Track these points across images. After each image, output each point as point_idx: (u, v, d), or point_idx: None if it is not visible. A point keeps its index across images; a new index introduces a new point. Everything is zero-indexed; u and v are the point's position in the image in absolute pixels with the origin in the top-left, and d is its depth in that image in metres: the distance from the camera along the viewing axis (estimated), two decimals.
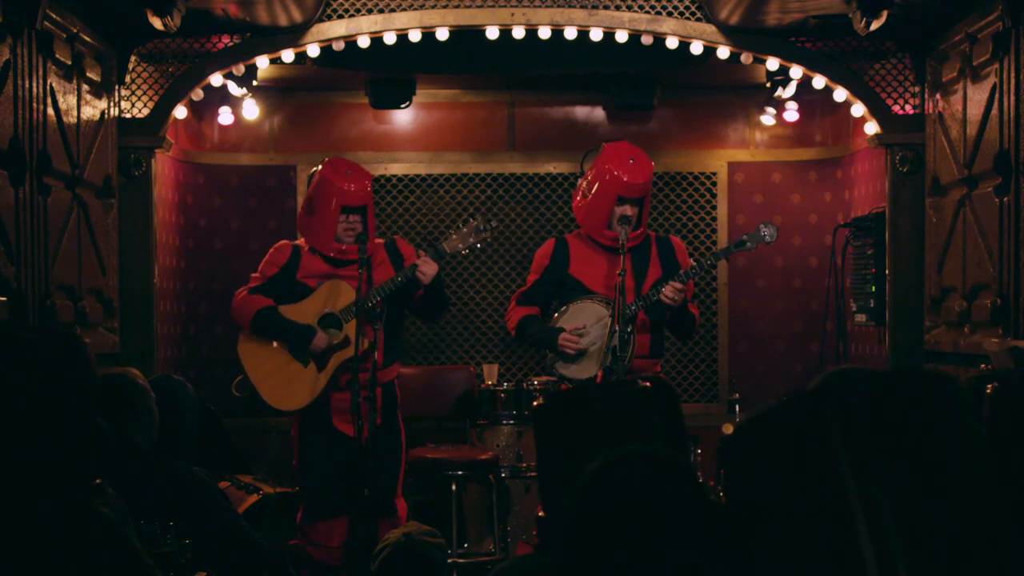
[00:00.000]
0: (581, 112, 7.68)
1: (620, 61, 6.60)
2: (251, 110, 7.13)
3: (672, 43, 6.19)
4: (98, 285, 5.78)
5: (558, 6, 6.10)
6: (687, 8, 6.13)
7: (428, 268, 5.23)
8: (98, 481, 3.01)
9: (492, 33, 6.15)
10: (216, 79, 6.32)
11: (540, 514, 2.67)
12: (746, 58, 6.31)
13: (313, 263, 5.43)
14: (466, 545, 6.63)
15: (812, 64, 6.32)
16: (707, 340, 7.58)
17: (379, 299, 5.24)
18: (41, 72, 5.00)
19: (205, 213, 7.43)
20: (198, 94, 6.38)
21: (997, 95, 5.18)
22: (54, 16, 5.11)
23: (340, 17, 6.11)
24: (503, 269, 7.58)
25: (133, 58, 6.15)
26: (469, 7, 6.09)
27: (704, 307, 7.49)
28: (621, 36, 6.16)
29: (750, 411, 5.40)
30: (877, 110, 6.30)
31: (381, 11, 6.11)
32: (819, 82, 6.43)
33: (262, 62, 6.33)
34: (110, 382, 3.82)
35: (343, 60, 6.51)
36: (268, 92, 7.34)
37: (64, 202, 5.34)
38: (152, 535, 3.38)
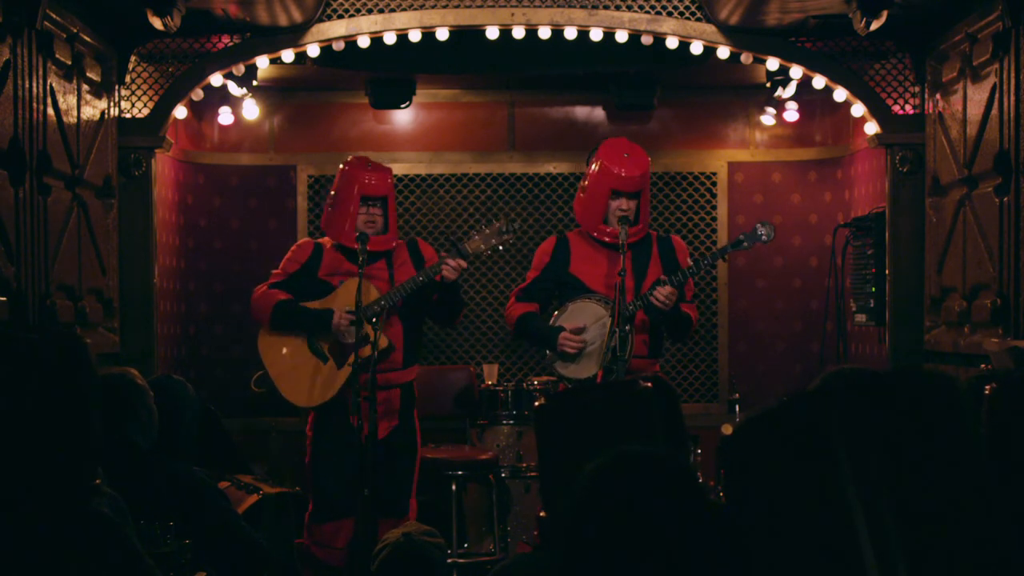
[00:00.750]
0: (581, 112, 7.68)
1: (620, 61, 6.60)
2: (251, 110, 7.13)
3: (672, 43, 6.19)
4: (98, 285, 5.78)
5: (558, 6, 6.10)
6: (687, 8, 6.13)
7: (455, 268, 5.22)
8: (98, 481, 3.01)
9: (492, 33, 6.15)
10: (216, 79, 6.32)
11: (541, 514, 2.67)
12: (746, 58, 6.31)
13: (335, 261, 5.44)
14: (466, 545, 6.63)
15: (812, 64, 6.32)
16: (707, 340, 7.58)
17: (400, 299, 5.25)
18: (41, 72, 5.00)
19: (205, 213, 7.44)
20: (198, 94, 6.39)
21: (997, 95, 5.18)
22: (54, 16, 5.11)
23: (340, 17, 6.11)
24: (503, 269, 7.58)
25: (133, 58, 6.15)
26: (469, 7, 6.09)
27: (704, 307, 7.49)
28: (621, 36, 6.16)
29: (750, 411, 5.40)
30: (877, 110, 6.30)
31: (381, 11, 6.11)
32: (819, 82, 6.43)
33: (262, 62, 6.33)
34: (110, 382, 3.82)
35: (343, 60, 6.51)
36: (268, 92, 7.34)
37: (64, 202, 5.34)
38: (152, 535, 3.38)
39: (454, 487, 6.37)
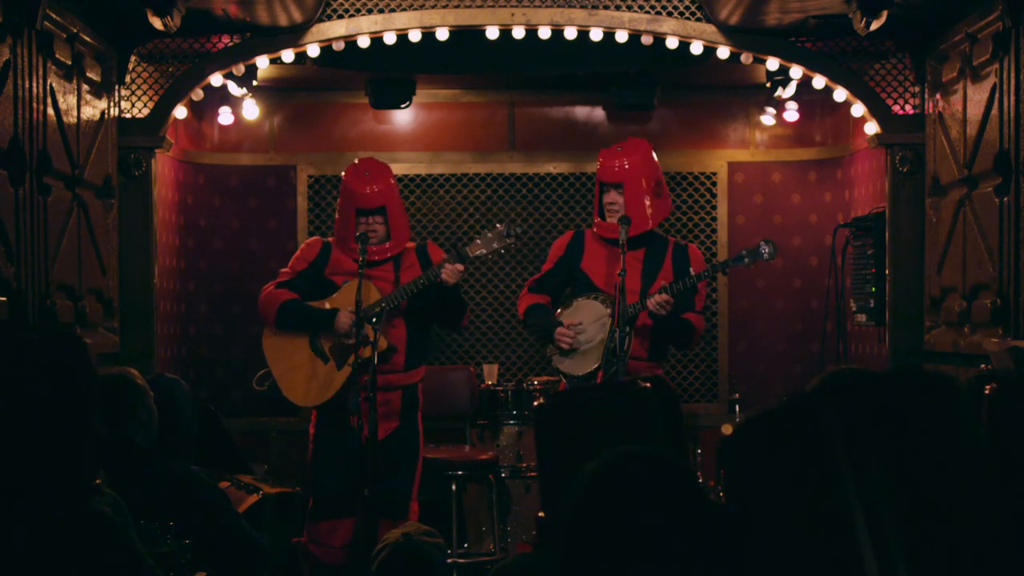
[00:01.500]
0: (581, 112, 7.68)
1: (620, 61, 6.60)
2: (251, 110, 7.13)
3: (672, 43, 6.19)
4: (98, 285, 5.78)
5: (558, 6, 6.10)
6: (687, 8, 6.13)
7: (453, 273, 5.21)
8: (98, 481, 3.01)
9: (492, 33, 6.15)
10: (216, 79, 6.32)
11: (540, 515, 2.67)
12: (746, 58, 6.31)
13: (343, 261, 5.46)
14: (466, 545, 6.63)
15: (812, 64, 6.32)
16: (707, 340, 7.57)
17: (401, 300, 5.25)
18: (41, 72, 5.00)
19: (205, 213, 7.43)
20: (198, 94, 6.38)
21: (997, 95, 5.18)
22: (54, 16, 5.11)
23: (340, 17, 6.11)
24: (503, 269, 7.58)
25: (133, 58, 6.15)
26: (469, 7, 6.09)
27: (704, 307, 7.48)
28: (621, 36, 6.16)
29: (750, 411, 5.40)
30: (877, 110, 6.30)
31: (381, 11, 6.11)
32: (819, 82, 6.43)
33: (262, 62, 6.33)
34: (109, 382, 3.82)
35: (343, 60, 6.51)
36: (268, 92, 7.34)
37: (64, 202, 5.34)
38: (152, 535, 3.38)
39: (454, 487, 6.38)
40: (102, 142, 5.86)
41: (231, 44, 6.23)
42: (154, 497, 3.66)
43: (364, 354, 5.12)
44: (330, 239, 5.60)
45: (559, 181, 7.59)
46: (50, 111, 5.12)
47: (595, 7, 6.11)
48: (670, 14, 6.13)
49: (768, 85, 6.94)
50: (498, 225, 5.42)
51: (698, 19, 6.13)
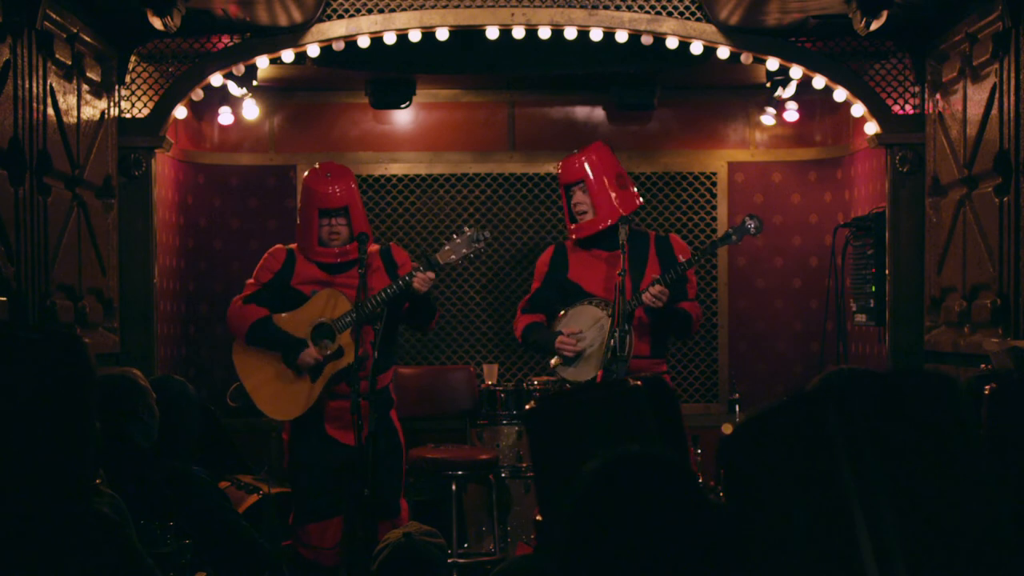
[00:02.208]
0: (581, 112, 7.68)
1: (620, 61, 6.60)
2: (251, 110, 7.12)
3: (672, 43, 6.19)
4: (98, 285, 5.78)
5: (558, 6, 6.10)
6: (687, 8, 6.13)
7: (425, 281, 5.21)
8: (98, 481, 3.01)
9: (492, 33, 6.15)
10: (216, 79, 6.32)
11: (537, 518, 2.66)
12: (746, 58, 6.31)
13: (307, 269, 5.42)
14: (466, 545, 6.63)
15: (812, 64, 6.32)
16: (707, 340, 7.57)
17: (370, 310, 5.22)
18: (41, 72, 5.00)
19: (205, 213, 7.43)
20: (198, 94, 6.38)
21: (997, 95, 5.18)
22: (54, 16, 5.11)
23: (340, 17, 6.11)
24: (503, 269, 7.58)
25: (133, 58, 6.15)
26: (469, 7, 6.09)
27: (704, 307, 7.48)
28: (621, 36, 6.16)
29: (750, 411, 5.40)
30: (877, 110, 6.30)
31: (381, 11, 6.11)
32: (819, 82, 6.43)
33: (262, 62, 6.33)
34: (111, 382, 3.82)
35: (343, 60, 6.51)
36: (268, 92, 7.34)
37: (64, 202, 5.34)
38: (152, 535, 3.38)
39: (454, 487, 6.37)
40: (102, 142, 5.86)
41: (231, 44, 6.22)
42: (154, 497, 3.66)
43: (338, 366, 5.19)
44: (293, 246, 5.56)
45: (559, 181, 7.58)
46: (50, 111, 5.12)
47: (595, 7, 6.11)
48: (670, 14, 6.13)
49: (768, 85, 6.94)
50: (466, 229, 5.38)
51: (698, 19, 6.13)
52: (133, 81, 6.20)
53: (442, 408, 7.08)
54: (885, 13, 5.36)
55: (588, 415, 2.37)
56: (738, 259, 7.56)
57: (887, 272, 6.37)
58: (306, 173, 5.52)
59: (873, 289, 6.52)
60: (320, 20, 6.09)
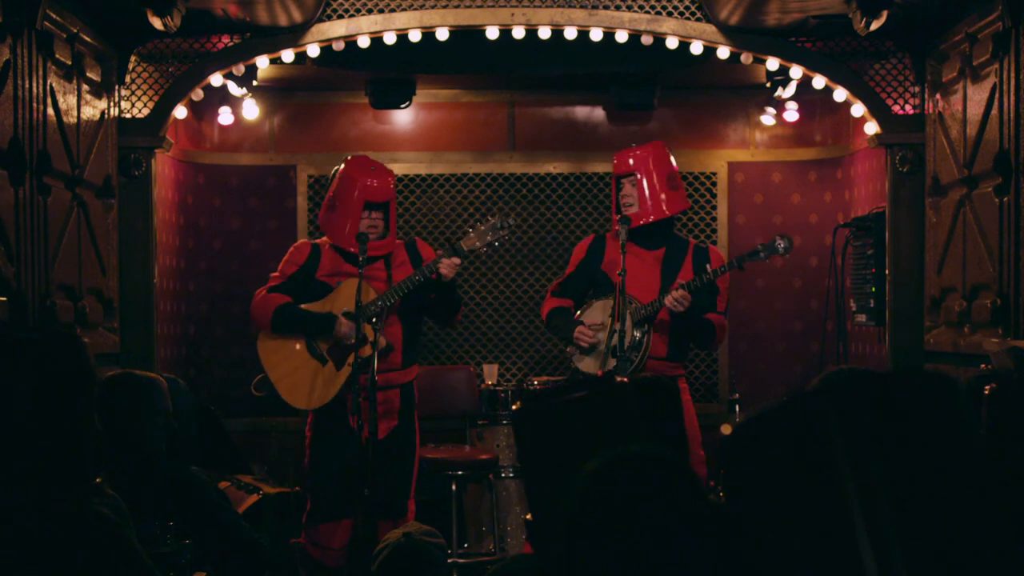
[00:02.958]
0: (581, 112, 7.68)
1: (620, 61, 6.60)
2: (251, 110, 7.13)
3: (672, 43, 6.19)
4: (98, 285, 5.78)
5: (558, 6, 6.10)
6: (687, 8, 6.13)
7: (451, 266, 5.21)
8: (98, 481, 3.01)
9: (492, 33, 6.15)
10: (216, 79, 6.32)
11: (528, 517, 2.66)
12: (746, 58, 6.31)
13: (333, 262, 5.42)
14: (466, 545, 6.64)
15: (812, 64, 6.32)
16: None
17: (397, 298, 5.23)
18: (41, 72, 5.00)
19: (205, 213, 7.43)
20: (198, 94, 6.38)
21: (997, 95, 5.18)
22: (54, 16, 5.11)
23: (340, 17, 6.11)
24: (503, 269, 7.58)
25: (133, 58, 6.15)
26: (469, 7, 6.09)
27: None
28: (621, 36, 6.16)
29: (750, 411, 5.40)
30: (877, 110, 6.30)
31: (381, 11, 6.11)
32: (819, 82, 6.43)
33: (262, 62, 6.33)
34: (128, 383, 3.83)
35: (343, 60, 6.51)
36: (268, 92, 7.34)
37: (64, 202, 5.34)
38: (152, 535, 3.38)
39: (454, 487, 6.38)
40: (102, 142, 5.86)
41: (231, 44, 6.23)
42: (154, 497, 3.66)
43: (364, 353, 5.11)
44: (318, 241, 5.54)
45: (559, 181, 7.59)
46: (50, 111, 5.12)
47: (595, 7, 6.11)
48: (670, 14, 6.13)
49: (768, 85, 6.94)
50: (490, 217, 5.40)
51: (698, 19, 6.14)
52: (133, 81, 6.20)
53: (442, 408, 7.08)
54: (885, 13, 5.36)
55: (573, 414, 2.37)
56: None
57: (887, 272, 6.37)
58: (342, 164, 5.44)
59: (873, 289, 6.52)
60: (320, 20, 6.09)
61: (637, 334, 5.26)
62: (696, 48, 6.24)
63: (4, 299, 4.59)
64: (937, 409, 1.62)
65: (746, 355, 7.59)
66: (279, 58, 6.27)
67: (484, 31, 6.15)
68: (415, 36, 6.15)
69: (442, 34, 6.14)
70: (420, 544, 3.85)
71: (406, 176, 7.55)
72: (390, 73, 7.11)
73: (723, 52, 6.25)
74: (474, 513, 6.74)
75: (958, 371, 5.40)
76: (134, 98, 6.20)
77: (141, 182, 6.22)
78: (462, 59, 6.75)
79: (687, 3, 6.13)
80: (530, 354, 7.50)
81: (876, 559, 1.50)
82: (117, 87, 6.09)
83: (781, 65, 6.48)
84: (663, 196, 5.44)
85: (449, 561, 5.91)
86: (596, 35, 6.16)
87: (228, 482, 5.84)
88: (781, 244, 5.40)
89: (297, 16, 5.97)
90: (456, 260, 5.22)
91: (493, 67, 6.99)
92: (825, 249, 7.19)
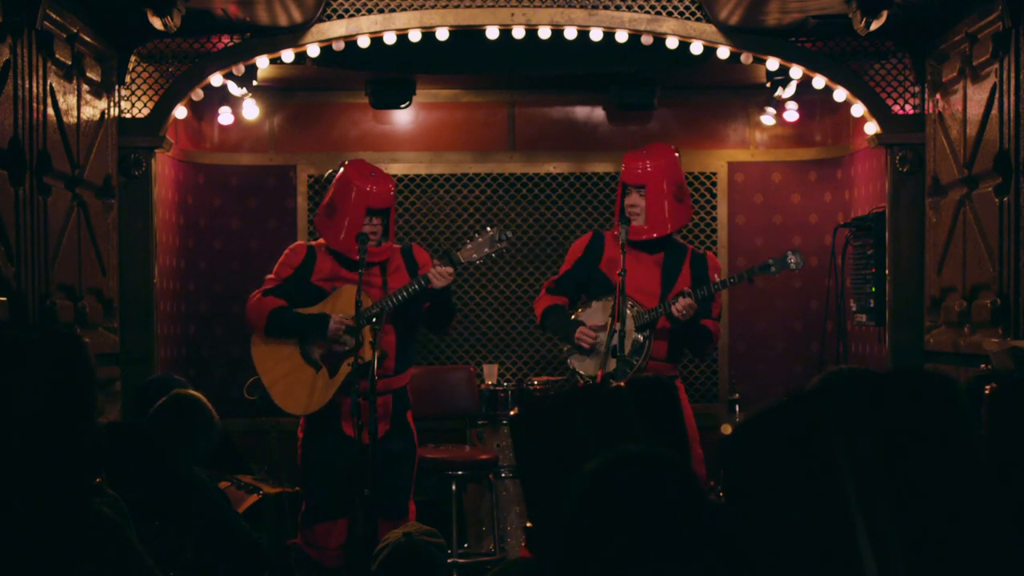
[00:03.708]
0: (581, 112, 7.68)
1: (620, 61, 6.60)
2: (251, 110, 7.13)
3: (672, 43, 6.19)
4: (98, 285, 5.78)
5: (558, 6, 6.10)
6: (687, 8, 6.13)
7: (442, 277, 5.19)
8: (98, 481, 3.01)
9: (492, 33, 6.15)
10: (216, 79, 6.32)
11: (528, 524, 2.66)
12: (746, 58, 6.31)
13: (328, 265, 5.40)
14: (466, 545, 6.64)
15: (812, 64, 6.32)
16: None
17: (392, 306, 5.20)
18: (41, 72, 5.00)
19: (205, 213, 7.44)
20: (198, 94, 6.39)
21: (997, 95, 5.18)
22: (54, 16, 5.11)
23: (340, 17, 6.11)
24: (503, 269, 7.58)
25: (133, 58, 6.15)
26: (469, 7, 6.09)
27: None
28: (621, 36, 6.16)
29: (750, 411, 5.40)
30: (877, 110, 6.30)
31: (381, 11, 6.11)
32: (819, 82, 6.43)
33: (262, 62, 6.33)
34: (183, 403, 3.92)
35: (343, 60, 6.51)
36: (268, 92, 7.34)
37: (64, 202, 5.34)
38: (152, 535, 3.38)
39: (454, 487, 6.38)
40: (102, 142, 5.86)
41: (231, 44, 6.23)
42: (155, 497, 3.67)
43: (364, 357, 5.10)
44: (314, 243, 5.53)
45: (559, 181, 7.59)
46: (50, 111, 5.12)
47: (595, 7, 6.11)
48: (670, 14, 6.13)
49: (768, 85, 6.94)
50: (488, 229, 5.36)
51: (698, 19, 6.14)
52: (133, 81, 6.20)
53: (442, 408, 7.08)
54: (885, 13, 5.36)
55: (571, 419, 2.36)
56: (738, 259, 7.55)
57: (887, 272, 6.37)
58: (341, 169, 5.42)
59: (873, 289, 6.52)
60: (320, 20, 6.09)
61: (640, 337, 5.25)
62: (696, 48, 6.24)
63: (4, 299, 4.59)
64: (937, 409, 1.62)
65: (746, 355, 7.59)
66: (279, 58, 6.27)
67: (484, 31, 6.15)
68: (415, 36, 6.15)
69: (442, 34, 6.14)
70: (420, 544, 3.86)
71: (406, 176, 7.55)
72: (390, 73, 7.11)
73: (723, 52, 6.25)
74: (474, 513, 6.74)
75: (958, 371, 5.40)
76: (134, 98, 6.20)
77: (141, 182, 6.23)
78: (462, 59, 6.75)
79: (687, 3, 6.13)
80: (530, 354, 7.50)
81: (876, 559, 1.50)
82: (117, 87, 6.09)
83: (781, 65, 6.48)
84: (668, 209, 5.40)
85: (449, 561, 5.91)
86: (596, 35, 6.16)
87: (228, 482, 5.84)
88: (793, 260, 5.38)
89: (297, 16, 5.97)
90: (449, 270, 5.19)
91: (493, 67, 6.99)
92: (825, 249, 7.19)
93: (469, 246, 5.30)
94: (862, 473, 1.53)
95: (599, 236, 5.63)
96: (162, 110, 6.22)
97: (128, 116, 6.18)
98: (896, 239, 6.31)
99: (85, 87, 5.60)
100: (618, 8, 6.12)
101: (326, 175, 5.58)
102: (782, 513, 1.62)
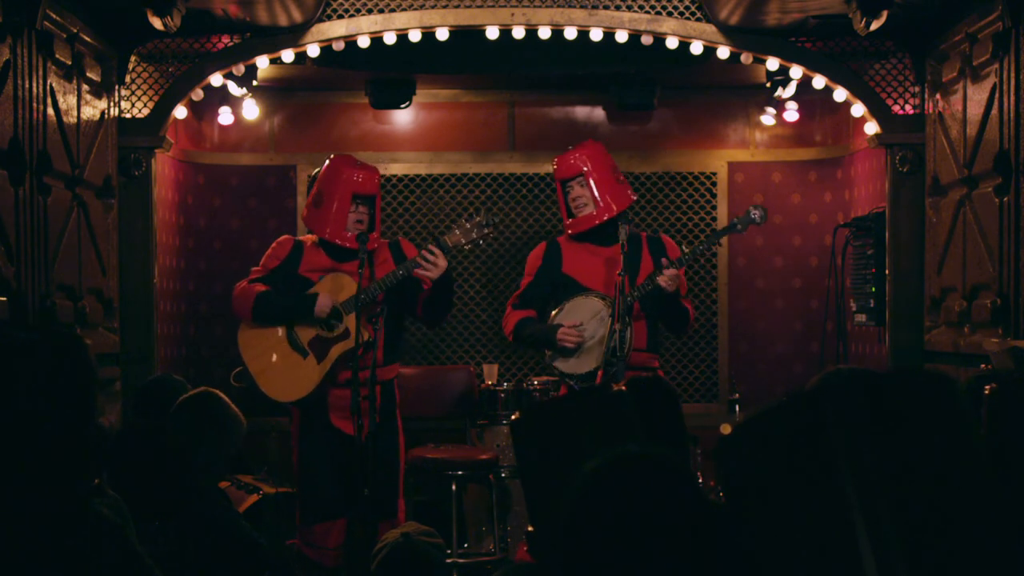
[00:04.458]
0: (581, 112, 7.68)
1: (620, 61, 6.60)
2: (251, 110, 7.13)
3: (672, 43, 6.19)
4: (98, 285, 5.78)
5: (558, 6, 6.10)
6: (687, 8, 6.13)
7: (434, 262, 5.20)
8: (98, 481, 3.01)
9: (492, 33, 6.15)
10: (216, 79, 6.32)
11: (529, 528, 2.66)
12: (746, 58, 6.31)
13: (315, 257, 5.41)
14: (466, 545, 6.63)
15: (812, 64, 6.32)
16: (707, 340, 7.57)
17: (381, 292, 5.22)
18: (41, 72, 5.00)
19: (205, 213, 7.44)
20: (198, 94, 6.39)
21: (997, 95, 5.18)
22: (54, 16, 5.11)
23: (340, 17, 6.11)
24: (503, 269, 7.58)
25: (133, 58, 6.15)
26: (469, 7, 6.09)
27: (704, 307, 7.49)
28: (621, 36, 6.16)
29: (750, 411, 5.40)
30: (877, 110, 6.30)
31: (381, 11, 6.11)
32: (819, 82, 6.43)
33: (262, 62, 6.33)
34: (210, 406, 3.92)
35: (343, 60, 6.51)
36: (268, 92, 7.34)
37: (64, 202, 5.34)
38: (152, 535, 3.38)
39: (454, 487, 6.37)
40: (102, 142, 5.86)
41: (231, 44, 6.23)
42: (155, 497, 3.66)
43: (345, 347, 5.13)
44: (301, 237, 5.54)
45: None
46: (50, 111, 5.12)
47: (595, 7, 6.11)
48: (670, 14, 6.13)
49: (768, 85, 6.94)
50: (475, 215, 5.40)
51: (698, 19, 6.14)
52: (133, 81, 6.20)
53: (442, 408, 7.08)
54: (885, 13, 5.36)
55: (573, 422, 2.36)
56: (738, 259, 7.56)
57: (887, 272, 6.37)
58: (327, 162, 5.46)
59: (873, 289, 6.52)
60: (320, 20, 6.09)
61: (617, 327, 5.22)
62: (696, 48, 6.24)
63: (4, 299, 4.59)
64: (937, 409, 1.62)
65: (746, 355, 7.59)
66: (279, 58, 6.27)
67: (484, 31, 6.15)
68: (415, 36, 6.15)
69: (442, 34, 6.14)
70: (418, 544, 3.85)
71: (406, 176, 7.56)
72: (390, 73, 7.11)
73: (723, 52, 6.25)
74: (474, 513, 6.74)
75: (958, 371, 5.40)
76: (134, 98, 6.20)
77: (141, 182, 6.23)
78: (462, 59, 6.75)
79: (687, 3, 6.13)
80: (530, 354, 7.50)
81: (876, 559, 1.50)
82: (117, 87, 6.09)
83: (781, 65, 6.48)
84: (613, 192, 5.45)
85: (449, 561, 5.91)
86: (596, 35, 6.16)
87: (228, 482, 5.84)
88: (756, 213, 5.41)
89: (297, 16, 5.97)
90: (435, 249, 5.21)
91: (493, 67, 6.99)
92: (825, 249, 7.19)
93: (457, 231, 5.32)
94: (862, 473, 1.53)
95: (554, 243, 5.64)
96: (162, 110, 6.22)
97: (128, 116, 6.18)
98: (896, 239, 6.31)
99: (85, 87, 5.61)
100: (618, 8, 6.12)
101: (312, 173, 5.60)
102: (782, 513, 1.62)
